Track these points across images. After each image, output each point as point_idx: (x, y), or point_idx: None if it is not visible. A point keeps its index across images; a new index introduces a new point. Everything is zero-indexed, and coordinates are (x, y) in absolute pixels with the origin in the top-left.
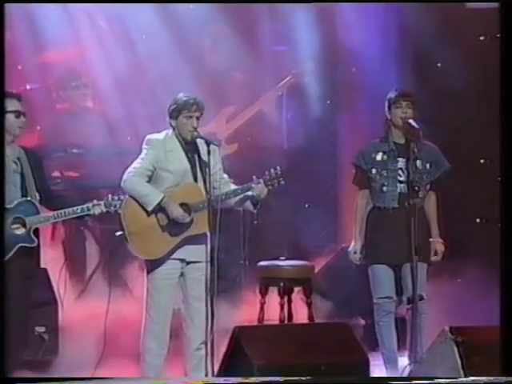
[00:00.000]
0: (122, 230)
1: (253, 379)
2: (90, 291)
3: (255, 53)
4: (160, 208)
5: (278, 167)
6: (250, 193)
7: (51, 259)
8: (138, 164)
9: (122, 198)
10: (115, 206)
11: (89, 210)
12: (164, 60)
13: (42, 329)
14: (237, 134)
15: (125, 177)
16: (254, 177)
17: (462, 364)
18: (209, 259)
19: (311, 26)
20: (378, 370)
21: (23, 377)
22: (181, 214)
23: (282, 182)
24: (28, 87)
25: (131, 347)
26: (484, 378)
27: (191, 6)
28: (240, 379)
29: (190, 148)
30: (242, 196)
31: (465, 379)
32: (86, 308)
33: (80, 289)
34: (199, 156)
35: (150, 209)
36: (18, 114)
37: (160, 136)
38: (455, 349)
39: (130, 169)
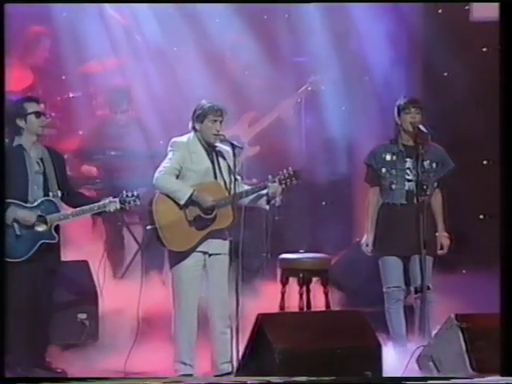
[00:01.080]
0: (154, 224)
1: (253, 379)
2: (127, 281)
3: (274, 62)
4: (190, 202)
5: (290, 167)
6: (264, 191)
7: (91, 252)
8: (167, 164)
9: (135, 193)
10: (129, 203)
11: (105, 206)
12: (192, 70)
13: (84, 315)
14: (259, 137)
15: (156, 175)
16: (270, 176)
17: (466, 348)
18: (233, 252)
19: (327, 38)
20: (388, 353)
21: (24, 376)
22: (211, 199)
23: (294, 182)
24: (71, 95)
25: (163, 333)
26: (500, 377)
27: (217, 19)
28: (241, 379)
29: (211, 149)
30: (256, 194)
31: (480, 379)
32: (123, 296)
33: (117, 279)
34: (218, 157)
35: (182, 202)
36: (38, 114)
37: (184, 139)
38: (460, 334)
39: (160, 168)
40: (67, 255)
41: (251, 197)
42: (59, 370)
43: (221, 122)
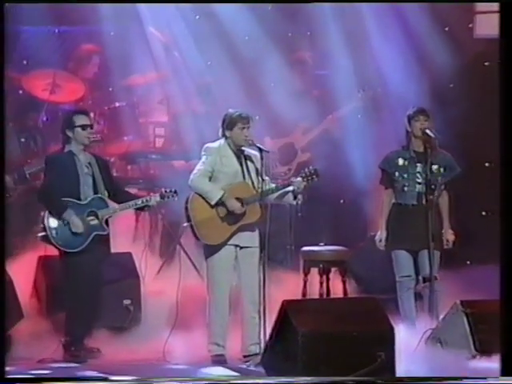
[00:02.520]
0: (189, 220)
1: (257, 379)
2: (167, 270)
3: (298, 74)
4: (221, 202)
5: (311, 166)
6: (290, 188)
7: (135, 244)
8: (201, 167)
9: (173, 190)
10: (168, 197)
11: (147, 201)
12: (224, 82)
13: (129, 301)
14: (310, 145)
15: (191, 177)
16: (293, 178)
17: (470, 331)
18: (261, 245)
19: (346, 54)
20: (400, 335)
21: (23, 377)
22: (238, 207)
23: (315, 179)
24: (117, 105)
25: (199, 317)
26: (501, 377)
27: (246, 37)
28: (242, 380)
29: (240, 153)
30: (281, 192)
31: (492, 379)
32: (163, 284)
33: (158, 268)
34: (246, 160)
35: (213, 203)
36: (84, 126)
37: (215, 144)
38: (465, 318)
39: (194, 171)
40: (114, 248)
41: (277, 194)
42: (100, 352)
43: (248, 127)
